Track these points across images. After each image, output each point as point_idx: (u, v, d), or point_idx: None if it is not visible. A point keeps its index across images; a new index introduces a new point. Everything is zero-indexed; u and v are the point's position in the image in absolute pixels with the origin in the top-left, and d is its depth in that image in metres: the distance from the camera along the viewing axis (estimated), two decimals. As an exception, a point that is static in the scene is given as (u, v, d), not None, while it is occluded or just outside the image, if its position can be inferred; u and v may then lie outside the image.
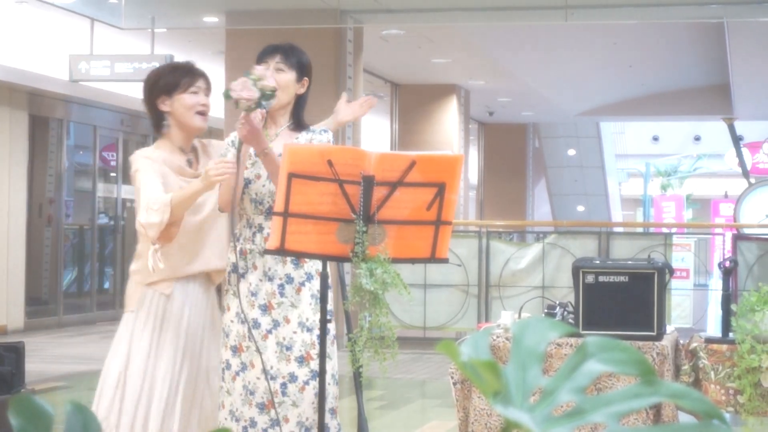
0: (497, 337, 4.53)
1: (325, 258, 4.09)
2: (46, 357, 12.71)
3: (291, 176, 3.86)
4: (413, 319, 12.92)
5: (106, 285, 18.31)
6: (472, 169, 26.09)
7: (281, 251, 3.96)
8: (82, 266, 17.72)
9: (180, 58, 16.45)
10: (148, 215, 4.42)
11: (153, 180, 4.55)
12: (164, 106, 4.74)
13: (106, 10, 14.36)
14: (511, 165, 27.32)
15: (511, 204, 26.90)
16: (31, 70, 15.14)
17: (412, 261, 4.21)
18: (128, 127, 18.35)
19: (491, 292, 13.02)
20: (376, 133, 23.13)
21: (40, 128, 16.38)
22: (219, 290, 4.83)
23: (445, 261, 4.09)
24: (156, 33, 14.74)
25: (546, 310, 4.73)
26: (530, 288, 12.68)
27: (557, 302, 4.74)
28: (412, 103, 21.07)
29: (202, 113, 4.76)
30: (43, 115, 16.29)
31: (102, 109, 17.33)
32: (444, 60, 18.49)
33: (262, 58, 4.70)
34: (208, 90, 4.82)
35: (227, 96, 4.21)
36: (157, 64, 14.44)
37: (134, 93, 17.22)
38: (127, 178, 18.53)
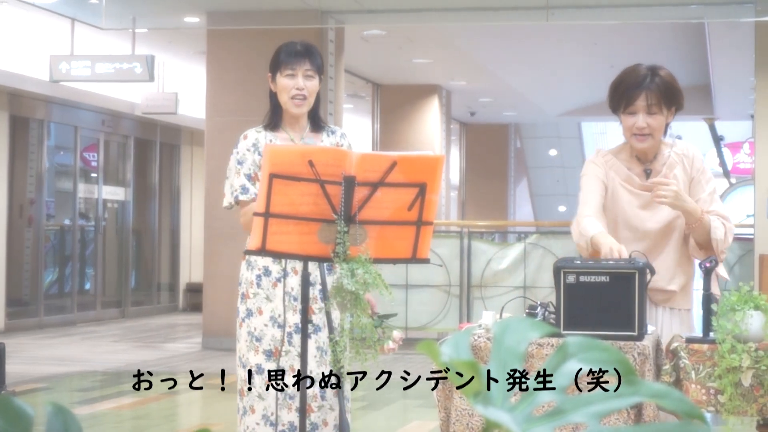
0: (478, 337, 4.53)
1: (306, 258, 4.09)
2: (27, 358, 12.65)
3: (272, 177, 3.86)
4: (394, 320, 12.89)
5: (87, 286, 18.25)
6: (454, 170, 26.10)
7: (262, 252, 3.95)
8: (63, 267, 17.67)
9: (161, 58, 16.42)
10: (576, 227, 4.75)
11: (589, 187, 4.83)
12: (620, 118, 4.80)
13: (87, 10, 14.31)
14: (492, 165, 27.32)
15: (493, 204, 26.91)
16: (11, 71, 15.08)
17: (394, 261, 4.21)
18: (109, 128, 18.29)
19: (473, 292, 13.03)
20: (357, 134, 23.13)
21: (21, 129, 16.31)
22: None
23: (426, 261, 4.09)
24: (137, 33, 14.69)
25: (527, 311, 4.73)
26: (512, 288, 12.69)
27: (539, 302, 4.74)
28: (393, 103, 21.07)
29: (640, 138, 4.73)
30: (24, 115, 16.23)
31: (83, 109, 17.28)
32: (425, 60, 18.49)
33: (288, 63, 4.63)
34: (656, 114, 4.70)
35: None
36: (137, 65, 14.51)
37: (115, 93, 17.19)
38: (107, 178, 18.47)
